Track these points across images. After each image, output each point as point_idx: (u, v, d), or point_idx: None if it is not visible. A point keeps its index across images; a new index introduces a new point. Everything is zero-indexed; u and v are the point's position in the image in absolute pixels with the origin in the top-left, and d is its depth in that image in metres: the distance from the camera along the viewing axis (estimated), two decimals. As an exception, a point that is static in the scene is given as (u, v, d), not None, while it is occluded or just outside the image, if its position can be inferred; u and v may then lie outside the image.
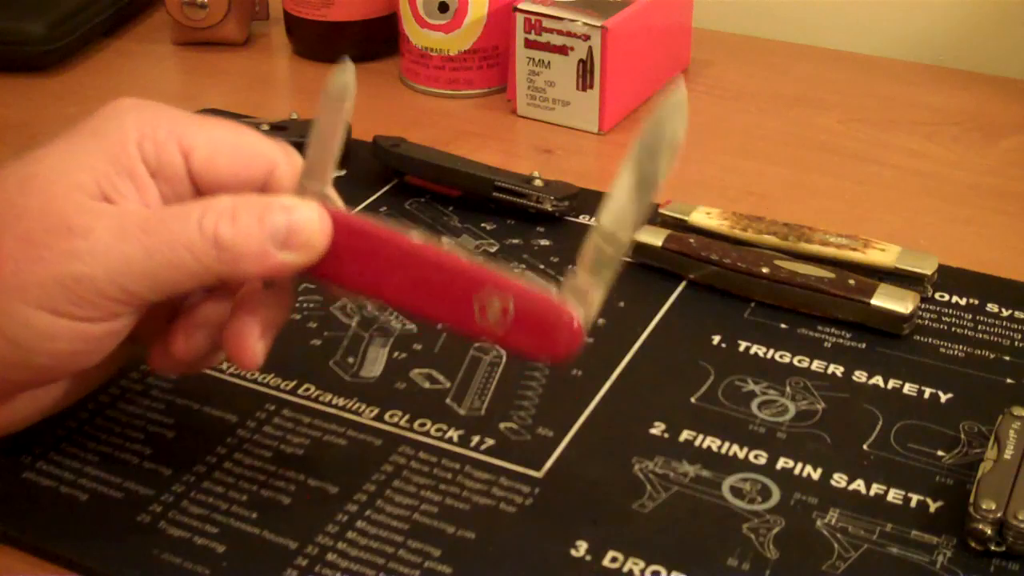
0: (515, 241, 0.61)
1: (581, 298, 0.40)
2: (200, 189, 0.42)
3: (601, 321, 0.54)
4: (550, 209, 0.62)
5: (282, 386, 0.50)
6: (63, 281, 0.38)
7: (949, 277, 0.57)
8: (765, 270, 0.55)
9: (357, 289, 0.42)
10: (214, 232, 0.39)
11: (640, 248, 0.58)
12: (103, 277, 0.39)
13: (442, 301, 0.41)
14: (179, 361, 0.44)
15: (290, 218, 0.40)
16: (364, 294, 0.42)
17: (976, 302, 0.56)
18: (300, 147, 0.69)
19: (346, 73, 0.41)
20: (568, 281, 0.40)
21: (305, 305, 0.55)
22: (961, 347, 0.53)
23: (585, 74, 0.71)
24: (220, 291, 0.43)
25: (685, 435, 0.48)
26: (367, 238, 0.41)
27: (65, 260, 0.38)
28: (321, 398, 0.49)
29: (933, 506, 0.44)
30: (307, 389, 0.50)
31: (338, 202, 0.42)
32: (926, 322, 0.54)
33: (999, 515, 0.42)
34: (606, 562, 0.42)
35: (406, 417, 0.48)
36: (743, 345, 0.53)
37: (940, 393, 0.50)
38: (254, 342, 0.42)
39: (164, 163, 0.42)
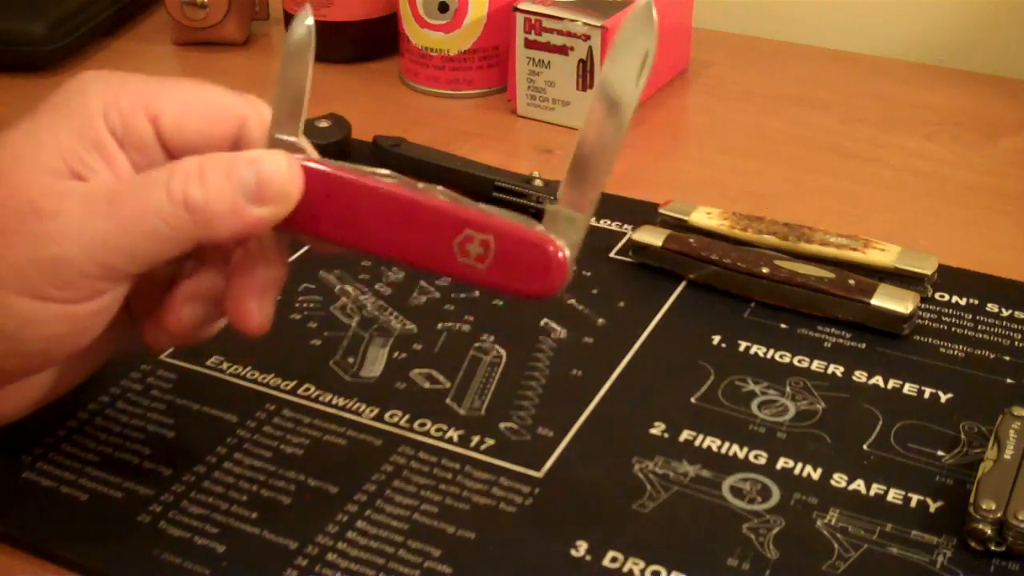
0: (515, 241, 0.61)
1: (565, 227, 0.39)
2: (172, 153, 0.42)
3: (601, 321, 0.54)
4: (550, 209, 0.62)
5: (282, 386, 0.50)
6: (40, 265, 0.38)
7: (949, 277, 0.57)
8: (765, 270, 0.55)
9: (335, 239, 0.41)
10: (183, 195, 0.38)
11: (640, 248, 0.58)
12: (80, 256, 0.38)
13: (421, 244, 0.40)
14: (174, 335, 0.43)
15: (258, 169, 0.39)
16: (343, 244, 0.41)
17: (976, 302, 0.56)
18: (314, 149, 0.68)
19: (306, 21, 0.41)
20: (549, 212, 0.39)
21: (305, 305, 0.55)
22: (961, 347, 0.53)
23: (585, 74, 0.71)
24: (211, 261, 0.43)
25: (685, 435, 0.48)
26: (341, 186, 0.40)
27: (38, 243, 0.38)
28: (321, 398, 0.49)
29: (933, 506, 0.44)
30: (307, 389, 0.50)
31: (310, 150, 0.42)
32: (926, 322, 0.54)
33: (999, 515, 0.42)
34: (606, 562, 0.42)
35: (406, 417, 0.48)
36: (743, 345, 0.53)
37: (940, 393, 0.50)
38: (256, 305, 0.42)
39: (131, 131, 0.41)
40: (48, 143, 0.40)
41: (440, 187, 0.40)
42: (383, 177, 0.40)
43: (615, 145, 0.38)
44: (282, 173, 0.40)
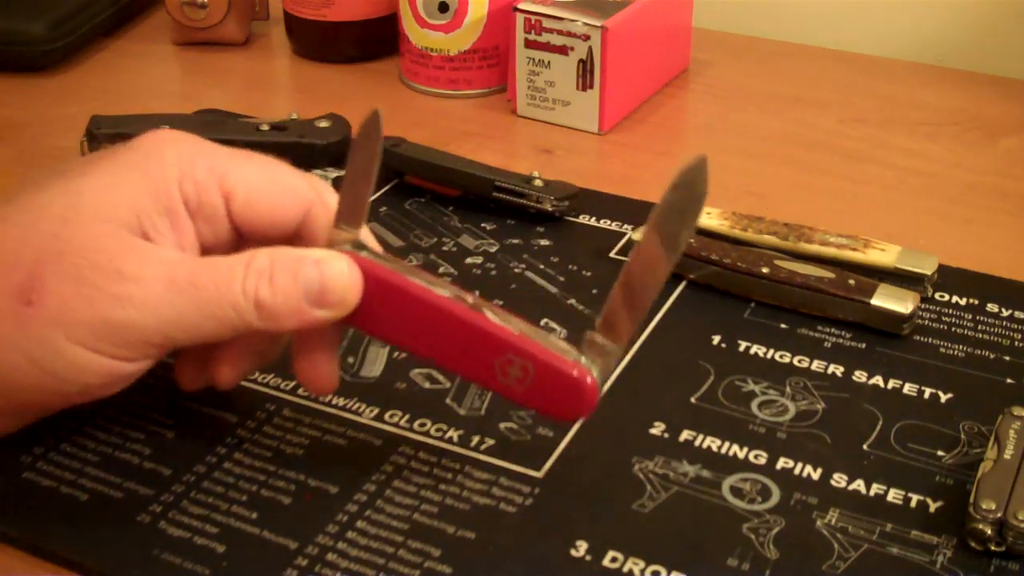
0: (515, 241, 0.61)
1: (599, 355, 0.41)
2: (237, 227, 0.44)
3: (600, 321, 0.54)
4: (550, 209, 0.62)
5: (282, 386, 0.50)
6: (112, 325, 0.40)
7: (949, 277, 0.57)
8: (765, 270, 0.55)
9: (384, 338, 0.44)
10: (255, 294, 0.41)
11: (640, 248, 0.58)
12: (152, 326, 0.40)
13: (466, 359, 0.42)
14: (220, 383, 0.45)
15: (323, 273, 0.41)
16: (388, 341, 0.44)
17: (976, 302, 0.56)
18: (299, 146, 0.69)
19: (376, 121, 0.43)
20: (587, 338, 0.41)
21: (305, 305, 0.55)
22: (961, 347, 0.53)
23: (585, 74, 0.71)
24: None
25: (685, 435, 0.48)
26: (395, 292, 0.42)
27: (116, 305, 0.39)
28: (321, 398, 0.49)
29: (933, 506, 0.44)
30: (307, 389, 0.50)
31: (373, 245, 0.44)
32: (926, 322, 0.54)
33: (999, 515, 0.42)
34: (606, 562, 0.42)
35: (406, 417, 0.48)
36: (743, 345, 0.53)
37: (940, 393, 0.50)
38: (328, 369, 0.44)
39: (204, 203, 0.43)
40: (125, 200, 0.41)
41: (490, 303, 0.42)
42: (438, 287, 0.42)
43: (658, 286, 0.40)
44: (343, 279, 0.42)
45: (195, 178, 0.43)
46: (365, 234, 0.44)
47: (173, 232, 0.42)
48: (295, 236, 0.45)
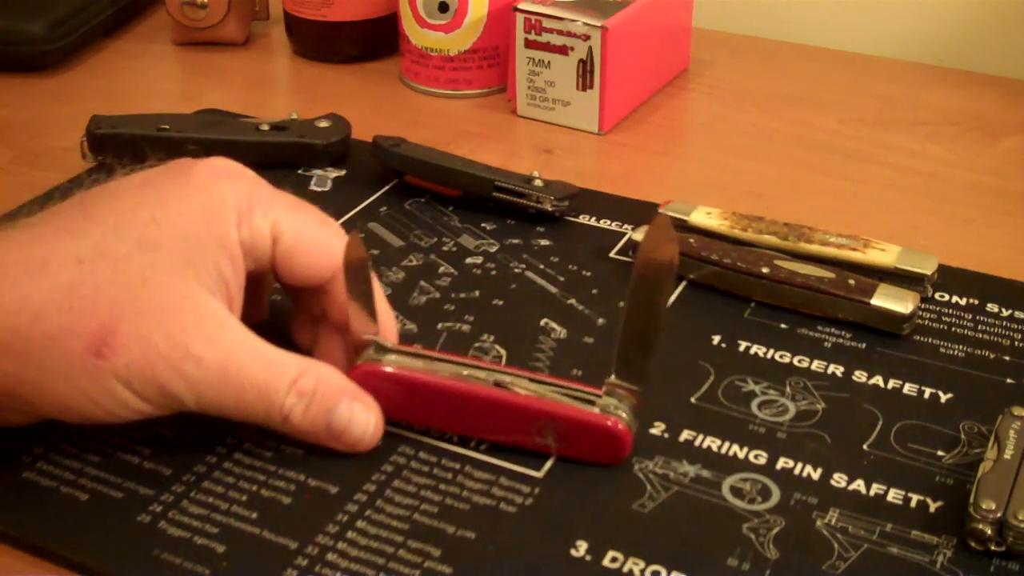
0: (515, 241, 0.61)
1: (622, 398, 0.45)
2: (274, 267, 0.46)
3: (601, 321, 0.54)
4: (550, 209, 0.62)
5: (282, 386, 0.50)
6: (165, 391, 0.43)
7: (949, 277, 0.57)
8: (765, 270, 0.55)
9: (423, 425, 0.47)
10: (288, 412, 0.44)
11: (640, 248, 0.58)
12: (193, 401, 0.43)
13: (503, 431, 0.46)
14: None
15: (351, 418, 0.45)
16: (429, 427, 0.47)
17: (976, 302, 0.56)
18: (299, 146, 0.69)
19: (358, 243, 0.45)
20: (608, 385, 0.45)
21: (305, 305, 0.55)
22: (961, 347, 0.53)
23: (585, 74, 0.71)
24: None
25: (685, 435, 0.48)
26: (423, 389, 0.46)
27: (173, 378, 0.42)
28: (321, 398, 0.49)
29: (933, 506, 0.44)
30: (307, 389, 0.50)
31: (391, 338, 0.48)
32: (926, 322, 0.54)
33: (999, 515, 0.42)
34: (606, 562, 0.42)
35: (406, 417, 0.48)
36: (743, 345, 0.53)
37: (940, 393, 0.50)
38: None
39: (256, 246, 0.45)
40: (199, 254, 0.44)
41: (513, 370, 0.46)
42: (461, 370, 0.46)
43: (656, 329, 0.44)
44: (366, 432, 0.46)
45: (251, 223, 0.45)
46: (385, 333, 0.47)
47: (234, 275, 0.45)
48: (320, 289, 0.48)
